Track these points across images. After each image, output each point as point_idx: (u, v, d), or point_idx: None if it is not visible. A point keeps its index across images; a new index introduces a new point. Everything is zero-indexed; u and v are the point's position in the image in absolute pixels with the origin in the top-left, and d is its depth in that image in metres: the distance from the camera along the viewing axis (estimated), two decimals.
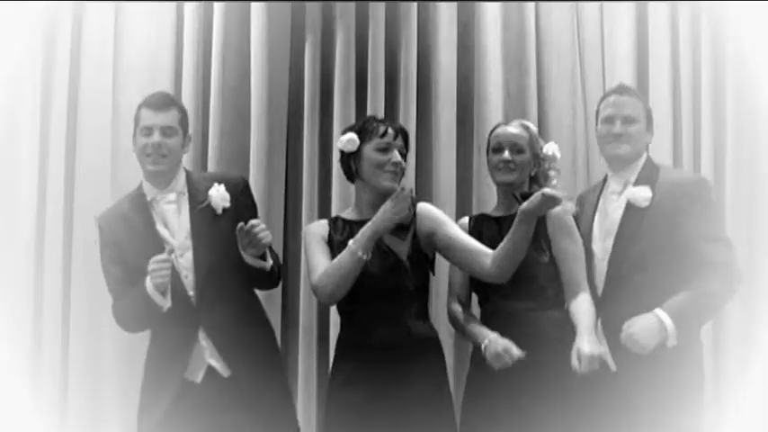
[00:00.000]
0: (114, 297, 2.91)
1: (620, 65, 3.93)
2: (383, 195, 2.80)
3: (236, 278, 2.84)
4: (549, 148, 3.00)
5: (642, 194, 2.88)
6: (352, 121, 3.74)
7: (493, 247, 2.77)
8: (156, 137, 2.85)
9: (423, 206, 2.89)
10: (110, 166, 3.73)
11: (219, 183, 2.88)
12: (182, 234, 2.86)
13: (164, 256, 2.72)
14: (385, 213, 2.67)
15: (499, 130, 3.03)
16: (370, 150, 2.83)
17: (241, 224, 2.71)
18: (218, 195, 2.85)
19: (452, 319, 3.03)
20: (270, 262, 2.83)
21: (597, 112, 3.10)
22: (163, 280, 2.71)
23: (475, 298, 3.09)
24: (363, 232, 2.69)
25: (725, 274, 2.78)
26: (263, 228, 2.74)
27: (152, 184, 2.90)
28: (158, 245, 2.81)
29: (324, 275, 2.73)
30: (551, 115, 3.93)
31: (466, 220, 3.09)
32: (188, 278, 2.83)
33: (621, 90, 3.04)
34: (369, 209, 2.84)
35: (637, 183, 2.94)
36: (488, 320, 2.92)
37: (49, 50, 3.75)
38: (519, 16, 3.94)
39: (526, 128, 3.01)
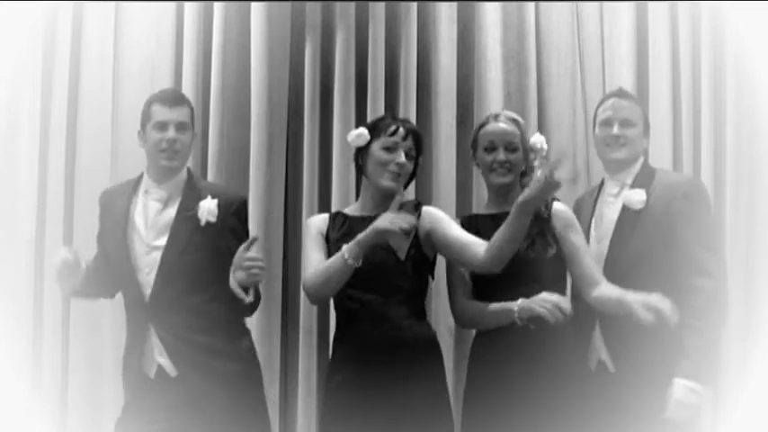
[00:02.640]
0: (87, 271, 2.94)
1: (620, 65, 3.93)
2: (386, 194, 2.82)
3: (197, 288, 2.83)
4: (537, 140, 2.98)
5: (636, 197, 2.90)
6: (353, 120, 3.76)
7: None
8: (172, 132, 2.85)
9: (429, 209, 2.91)
10: (110, 166, 3.73)
11: (214, 197, 2.86)
12: (153, 232, 2.86)
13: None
14: (384, 223, 2.61)
15: (490, 128, 2.95)
16: (376, 148, 2.83)
17: (248, 242, 2.69)
18: (206, 208, 2.84)
19: (466, 314, 2.94)
20: (250, 298, 2.72)
21: (595, 116, 3.10)
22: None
23: None
24: (358, 239, 2.66)
25: (713, 300, 2.79)
26: (261, 265, 2.67)
27: (152, 178, 2.91)
28: (126, 237, 2.85)
29: (313, 275, 2.76)
30: (551, 115, 3.92)
31: (458, 221, 3.03)
32: (149, 275, 2.83)
33: (620, 94, 3.06)
34: (371, 206, 2.87)
35: (633, 186, 2.95)
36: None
37: (48, 50, 3.75)
38: (519, 16, 3.94)
39: (516, 123, 2.96)
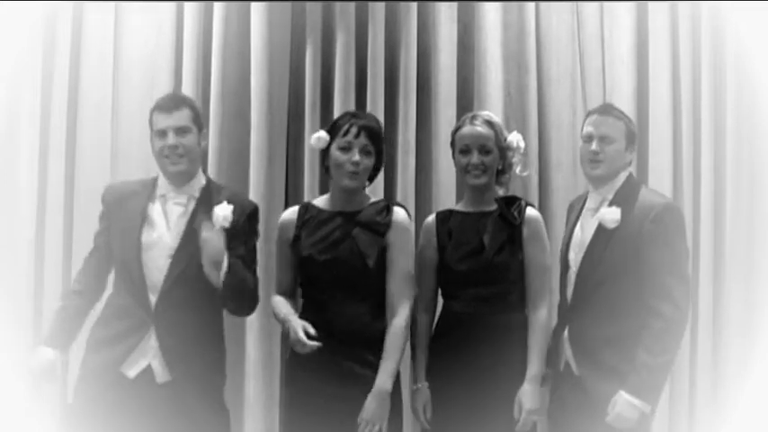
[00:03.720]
0: (82, 266, 2.97)
1: (620, 65, 3.94)
2: (346, 192, 2.90)
3: (204, 293, 2.82)
4: (514, 139, 3.01)
5: (610, 216, 2.89)
6: None
7: (466, 241, 2.93)
8: (171, 138, 2.84)
9: (398, 218, 2.92)
10: (110, 167, 3.74)
11: (229, 202, 2.84)
12: (178, 236, 2.85)
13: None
14: (290, 334, 2.77)
15: (465, 131, 2.97)
16: (334, 149, 2.89)
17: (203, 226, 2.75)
18: (221, 214, 2.81)
19: (414, 332, 3.01)
20: (223, 270, 2.75)
21: (582, 131, 3.10)
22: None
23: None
24: (285, 319, 2.84)
25: (672, 327, 2.81)
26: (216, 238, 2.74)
27: (170, 183, 2.90)
28: (139, 234, 2.83)
29: (273, 303, 2.96)
30: (551, 115, 3.93)
31: (432, 217, 3.08)
32: (161, 276, 2.82)
33: (603, 110, 3.05)
34: (339, 203, 2.94)
35: (613, 202, 2.94)
36: (449, 322, 2.95)
37: (48, 50, 3.75)
38: (519, 16, 3.95)
39: (491, 124, 2.97)
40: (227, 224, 2.81)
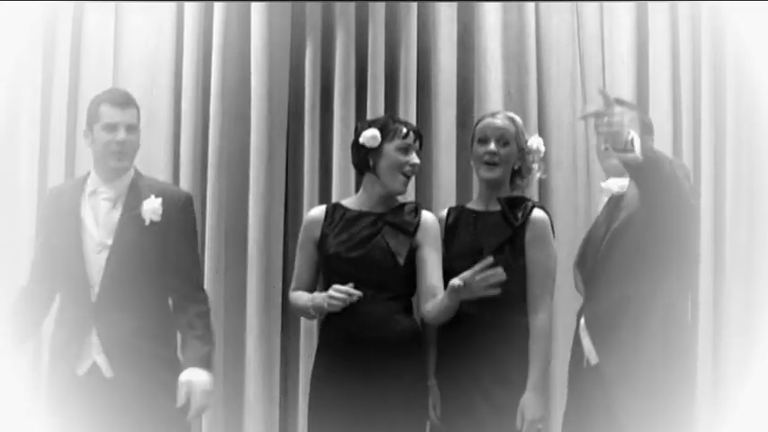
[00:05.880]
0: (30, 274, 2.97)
1: (620, 65, 3.94)
2: (391, 194, 2.94)
3: (145, 291, 2.84)
4: (534, 142, 3.01)
5: (617, 183, 2.86)
6: (352, 121, 3.77)
7: (467, 240, 2.94)
8: (122, 134, 2.83)
9: (427, 219, 2.95)
10: None
11: (158, 196, 2.86)
12: (104, 231, 2.85)
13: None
14: (320, 301, 2.82)
15: (486, 122, 3.01)
16: (391, 149, 2.90)
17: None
18: (150, 208, 2.84)
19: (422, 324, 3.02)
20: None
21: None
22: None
23: None
24: (310, 297, 2.89)
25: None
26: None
27: (100, 177, 2.89)
28: (77, 235, 2.83)
29: (292, 297, 3.04)
30: (551, 115, 3.93)
31: (444, 212, 3.09)
32: (99, 274, 2.82)
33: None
34: (371, 203, 2.95)
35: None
36: (451, 321, 2.90)
37: (48, 51, 3.75)
38: (519, 16, 3.95)
39: (512, 120, 3.00)
40: (156, 217, 2.84)
